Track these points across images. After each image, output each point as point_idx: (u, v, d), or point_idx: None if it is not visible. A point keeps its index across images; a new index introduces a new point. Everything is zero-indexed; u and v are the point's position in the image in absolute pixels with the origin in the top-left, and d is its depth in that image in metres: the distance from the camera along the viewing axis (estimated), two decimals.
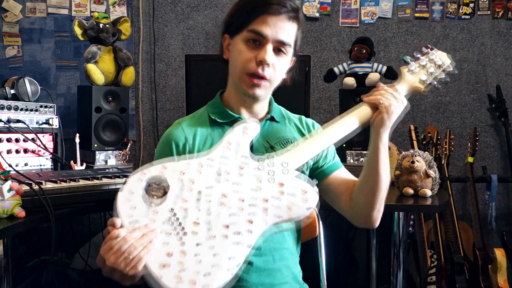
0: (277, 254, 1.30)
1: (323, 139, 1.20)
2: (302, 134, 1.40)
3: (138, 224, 0.97)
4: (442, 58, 1.36)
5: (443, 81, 1.34)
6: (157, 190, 1.03)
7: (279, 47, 1.25)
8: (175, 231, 0.98)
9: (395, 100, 1.22)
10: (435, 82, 1.34)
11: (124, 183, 1.04)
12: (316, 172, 1.36)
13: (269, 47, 1.23)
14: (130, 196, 1.01)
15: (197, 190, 1.04)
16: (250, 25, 1.24)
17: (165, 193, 1.03)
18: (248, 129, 1.17)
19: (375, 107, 1.23)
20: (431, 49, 1.37)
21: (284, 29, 1.24)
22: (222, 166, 1.08)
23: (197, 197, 1.03)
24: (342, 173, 1.38)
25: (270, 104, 1.40)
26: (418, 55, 1.35)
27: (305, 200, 1.06)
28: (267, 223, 1.02)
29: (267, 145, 1.32)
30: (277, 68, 1.26)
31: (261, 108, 1.36)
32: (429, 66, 1.34)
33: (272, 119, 1.37)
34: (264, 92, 1.28)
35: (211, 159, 1.09)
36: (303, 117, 1.46)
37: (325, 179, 1.36)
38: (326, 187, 1.35)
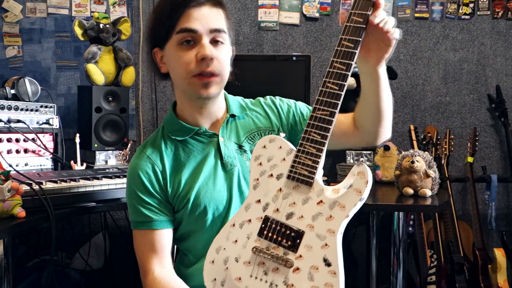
0: None
1: None
2: (268, 117, 1.34)
3: None
4: None
5: None
6: None
7: (214, 38, 1.18)
8: None
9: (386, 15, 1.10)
10: None
11: None
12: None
13: (205, 41, 1.16)
14: None
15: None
16: (177, 26, 1.16)
17: None
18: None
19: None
20: None
21: (212, 17, 1.18)
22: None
23: None
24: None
25: (226, 100, 1.33)
26: None
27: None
28: None
29: (235, 146, 1.29)
30: (222, 59, 1.19)
31: (218, 108, 1.29)
32: None
33: (232, 116, 1.31)
34: (218, 89, 1.22)
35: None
36: (260, 99, 1.39)
37: None
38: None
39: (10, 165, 1.86)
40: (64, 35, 2.86)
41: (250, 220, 1.07)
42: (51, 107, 2.21)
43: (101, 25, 2.35)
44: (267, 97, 1.40)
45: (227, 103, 1.32)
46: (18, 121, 2.04)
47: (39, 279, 2.43)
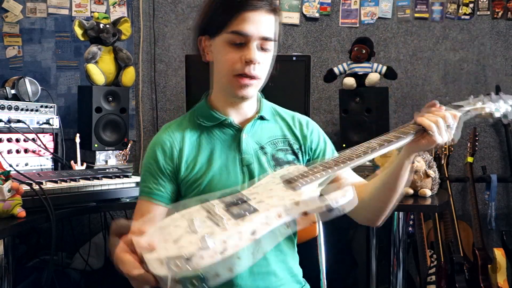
0: (271, 256, 1.27)
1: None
2: (293, 133, 1.36)
3: None
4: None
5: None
6: None
7: (263, 44, 1.21)
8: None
9: (447, 134, 1.12)
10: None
11: None
12: None
13: (254, 45, 1.20)
14: None
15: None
16: (230, 26, 1.20)
17: None
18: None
19: (422, 130, 1.12)
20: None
21: (265, 24, 1.21)
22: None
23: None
24: (345, 173, 1.32)
25: (259, 101, 1.36)
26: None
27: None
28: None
29: (256, 146, 1.30)
30: (264, 65, 1.24)
31: (249, 107, 1.33)
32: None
33: (261, 118, 1.34)
34: (254, 91, 1.26)
35: None
36: (296, 114, 1.41)
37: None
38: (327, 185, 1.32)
39: (10, 165, 1.86)
40: (64, 35, 2.87)
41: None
42: (51, 107, 2.21)
43: (101, 25, 2.35)
44: (304, 117, 1.41)
45: (259, 104, 1.36)
46: (18, 121, 2.04)
47: (39, 279, 2.43)
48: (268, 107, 1.38)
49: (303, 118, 1.40)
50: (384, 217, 1.23)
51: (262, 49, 1.22)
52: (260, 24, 1.20)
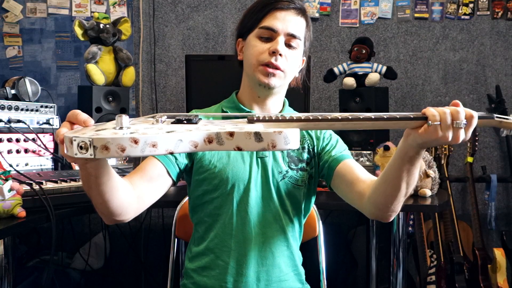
0: (278, 250, 1.32)
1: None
2: (309, 135, 1.41)
3: None
4: None
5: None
6: None
7: (290, 41, 1.29)
8: None
9: (452, 132, 1.05)
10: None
11: None
12: (326, 165, 1.35)
13: (281, 39, 1.28)
14: None
15: None
16: (261, 23, 1.30)
17: None
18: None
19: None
20: None
21: (293, 23, 1.30)
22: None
23: None
24: (350, 164, 1.32)
25: (284, 105, 1.43)
26: None
27: None
28: None
29: None
30: (290, 60, 1.30)
31: (274, 104, 1.39)
32: None
33: None
34: (279, 82, 1.31)
35: None
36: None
37: (339, 166, 1.32)
38: (337, 179, 1.31)
39: (11, 165, 1.86)
40: (64, 35, 2.87)
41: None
42: (51, 107, 2.21)
43: (101, 25, 2.35)
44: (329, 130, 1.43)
45: (284, 106, 1.42)
46: (19, 121, 2.04)
47: (39, 279, 2.43)
48: (290, 110, 1.45)
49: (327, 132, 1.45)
50: (392, 213, 1.19)
51: (288, 45, 1.30)
52: (288, 22, 1.29)
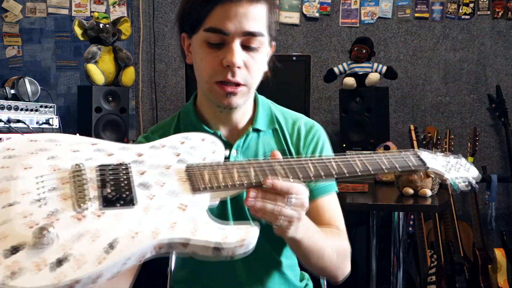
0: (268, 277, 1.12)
1: None
2: (292, 144, 1.13)
3: None
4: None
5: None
6: None
7: (248, 42, 0.99)
8: None
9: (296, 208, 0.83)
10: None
11: None
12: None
13: (236, 45, 0.97)
14: None
15: None
16: (206, 22, 0.98)
17: None
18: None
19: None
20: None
21: (249, 17, 0.97)
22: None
23: None
24: (326, 205, 1.10)
25: (255, 109, 1.13)
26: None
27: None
28: None
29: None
30: (252, 67, 1.00)
31: (241, 116, 1.10)
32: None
33: (256, 130, 1.11)
34: (242, 100, 1.03)
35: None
36: (299, 120, 1.17)
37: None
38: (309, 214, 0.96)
39: None
40: (64, 35, 2.86)
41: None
42: (51, 107, 2.21)
43: (101, 25, 2.35)
44: (309, 123, 1.17)
45: (255, 113, 1.12)
46: (18, 121, 2.04)
47: None
48: (266, 114, 1.14)
49: (307, 125, 1.16)
50: (318, 275, 1.04)
51: (248, 47, 0.99)
52: (242, 17, 0.96)
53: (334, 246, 1.02)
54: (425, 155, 1.00)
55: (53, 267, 0.61)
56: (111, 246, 0.66)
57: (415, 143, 2.57)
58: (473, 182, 1.02)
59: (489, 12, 2.82)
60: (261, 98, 1.16)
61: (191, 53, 1.07)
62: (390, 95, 2.70)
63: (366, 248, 2.45)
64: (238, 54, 0.97)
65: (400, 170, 0.94)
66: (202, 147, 0.91)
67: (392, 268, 2.10)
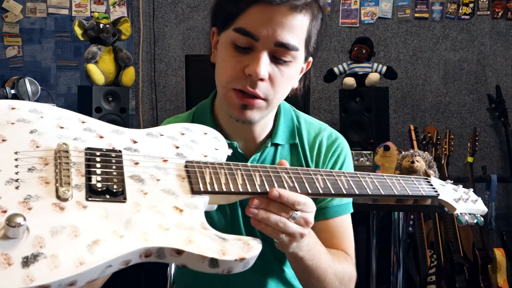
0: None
1: None
2: (312, 159, 1.04)
3: None
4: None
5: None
6: None
7: (280, 54, 0.88)
8: None
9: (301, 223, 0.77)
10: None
11: None
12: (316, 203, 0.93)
13: (264, 54, 0.86)
14: None
15: None
16: (237, 21, 0.87)
17: None
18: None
19: None
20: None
21: (286, 27, 0.86)
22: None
23: None
24: (340, 225, 1.03)
25: (275, 122, 1.03)
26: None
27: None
28: None
29: None
30: (278, 82, 0.89)
31: (261, 129, 1.01)
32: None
33: (275, 145, 1.02)
34: (259, 115, 0.92)
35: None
36: (323, 132, 1.06)
37: (320, 222, 0.99)
38: (316, 225, 0.88)
39: None
40: (64, 35, 2.87)
41: None
42: None
43: (101, 25, 2.35)
44: (334, 135, 1.08)
45: (275, 126, 1.02)
46: None
47: None
48: (287, 126, 1.04)
49: (329, 139, 1.06)
50: None
51: (277, 59, 0.88)
52: (277, 25, 0.85)
53: (338, 273, 0.95)
54: (434, 181, 0.97)
55: (18, 266, 0.52)
56: (92, 247, 0.56)
57: (415, 143, 2.58)
58: (480, 217, 0.99)
59: (489, 12, 2.82)
60: (285, 107, 1.06)
61: (216, 51, 0.96)
62: (390, 95, 2.70)
63: (366, 248, 2.45)
64: (264, 65, 0.86)
65: (411, 195, 0.89)
66: (203, 142, 0.82)
67: (392, 268, 2.10)
